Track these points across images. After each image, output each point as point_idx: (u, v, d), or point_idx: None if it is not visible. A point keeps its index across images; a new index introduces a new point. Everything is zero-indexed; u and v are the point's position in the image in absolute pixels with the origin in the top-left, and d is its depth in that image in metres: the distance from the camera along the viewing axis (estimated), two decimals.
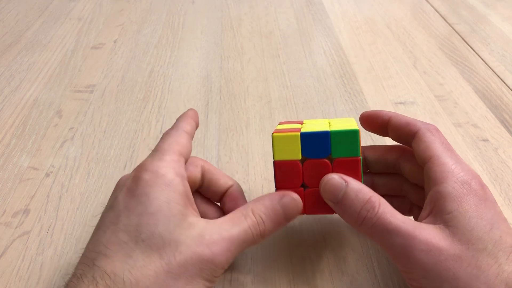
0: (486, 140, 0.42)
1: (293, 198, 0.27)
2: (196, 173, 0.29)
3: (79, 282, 0.22)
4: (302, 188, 0.28)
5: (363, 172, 0.28)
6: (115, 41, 0.59)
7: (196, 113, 0.32)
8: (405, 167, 0.30)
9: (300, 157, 0.27)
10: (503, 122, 0.44)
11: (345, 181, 0.26)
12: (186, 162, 0.29)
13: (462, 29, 0.62)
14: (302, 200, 0.28)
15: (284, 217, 0.27)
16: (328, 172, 0.27)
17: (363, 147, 0.32)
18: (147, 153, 0.40)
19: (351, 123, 0.29)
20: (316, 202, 0.28)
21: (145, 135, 0.43)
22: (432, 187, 0.26)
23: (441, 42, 0.59)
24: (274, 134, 0.27)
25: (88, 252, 0.24)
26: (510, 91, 0.49)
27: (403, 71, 0.53)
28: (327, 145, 0.27)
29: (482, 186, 0.26)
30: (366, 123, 0.32)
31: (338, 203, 0.26)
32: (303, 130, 0.27)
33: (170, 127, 0.30)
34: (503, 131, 0.43)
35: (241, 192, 0.30)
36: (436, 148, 0.27)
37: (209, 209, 0.31)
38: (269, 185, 0.37)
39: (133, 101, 0.47)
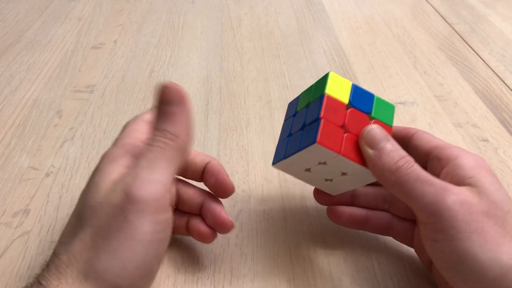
0: (486, 140, 0.42)
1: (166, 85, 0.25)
2: None
3: (39, 277, 0.23)
4: (343, 130, 0.27)
5: None
6: (115, 41, 0.59)
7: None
8: (398, 200, 0.30)
9: (347, 101, 0.28)
10: (503, 122, 0.44)
11: (387, 136, 0.26)
12: None
13: (462, 29, 0.62)
14: (342, 142, 0.27)
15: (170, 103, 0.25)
16: (367, 124, 0.27)
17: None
18: None
19: None
20: (353, 148, 0.27)
21: None
22: (447, 164, 0.26)
23: (441, 42, 0.59)
24: (331, 72, 0.28)
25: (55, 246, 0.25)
26: (510, 91, 0.49)
27: (403, 71, 0.53)
28: (371, 103, 0.28)
29: (490, 167, 0.27)
30: None
31: (377, 149, 0.26)
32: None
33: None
34: (503, 131, 0.43)
35: (220, 165, 0.30)
36: (438, 141, 0.28)
37: (192, 193, 0.30)
38: (269, 185, 0.37)
39: (133, 101, 0.47)
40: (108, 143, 0.41)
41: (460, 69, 0.53)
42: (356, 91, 0.28)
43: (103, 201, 0.23)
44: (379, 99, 0.29)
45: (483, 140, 0.42)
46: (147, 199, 0.23)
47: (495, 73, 0.52)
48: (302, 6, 0.68)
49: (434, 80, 0.51)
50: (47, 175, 0.38)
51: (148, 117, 0.29)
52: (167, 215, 0.24)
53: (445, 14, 0.66)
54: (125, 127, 0.29)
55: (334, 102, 0.27)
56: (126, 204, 0.23)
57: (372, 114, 0.28)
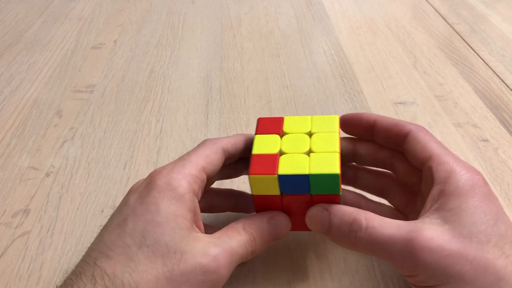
0: (486, 140, 0.42)
1: (283, 219, 0.28)
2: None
3: (77, 280, 0.22)
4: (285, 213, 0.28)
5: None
6: (115, 41, 0.59)
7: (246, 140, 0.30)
8: (398, 166, 0.29)
9: (278, 193, 0.27)
10: (503, 122, 0.44)
11: (326, 210, 0.26)
12: (209, 178, 0.28)
13: (462, 29, 0.62)
14: None
15: (272, 237, 0.27)
16: (308, 202, 0.27)
17: (355, 140, 0.31)
18: (147, 153, 0.40)
19: (333, 147, 0.27)
20: (299, 222, 0.28)
21: (145, 135, 0.43)
22: (435, 186, 0.25)
23: (441, 42, 0.59)
24: (251, 176, 0.26)
25: (91, 251, 0.24)
26: (510, 91, 0.49)
27: (403, 71, 0.53)
28: (306, 184, 0.26)
29: (485, 182, 0.25)
30: (348, 126, 0.30)
31: (327, 233, 0.26)
32: (280, 171, 0.26)
33: (214, 138, 0.29)
34: (503, 131, 0.43)
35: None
36: (434, 147, 0.27)
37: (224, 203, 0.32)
38: None
39: (133, 101, 0.47)
40: (108, 143, 0.41)
41: (460, 69, 0.53)
42: (285, 180, 0.26)
43: (180, 248, 0.23)
44: (316, 176, 0.25)
45: (483, 140, 0.42)
46: (221, 277, 0.24)
47: (495, 73, 0.52)
48: (302, 6, 0.68)
49: (434, 80, 0.51)
50: (47, 175, 0.38)
51: (229, 147, 0.29)
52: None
53: (445, 14, 0.66)
54: (199, 146, 0.28)
55: (266, 197, 0.27)
56: (208, 272, 0.23)
57: (311, 192, 0.26)
